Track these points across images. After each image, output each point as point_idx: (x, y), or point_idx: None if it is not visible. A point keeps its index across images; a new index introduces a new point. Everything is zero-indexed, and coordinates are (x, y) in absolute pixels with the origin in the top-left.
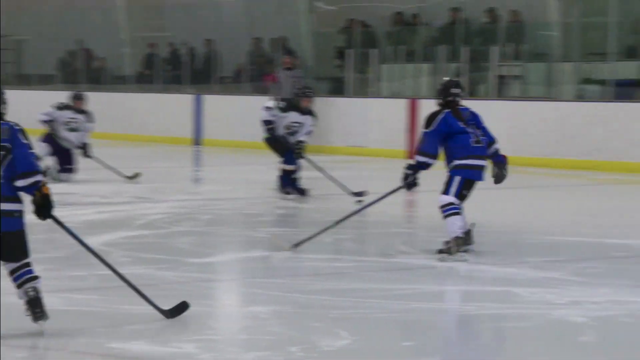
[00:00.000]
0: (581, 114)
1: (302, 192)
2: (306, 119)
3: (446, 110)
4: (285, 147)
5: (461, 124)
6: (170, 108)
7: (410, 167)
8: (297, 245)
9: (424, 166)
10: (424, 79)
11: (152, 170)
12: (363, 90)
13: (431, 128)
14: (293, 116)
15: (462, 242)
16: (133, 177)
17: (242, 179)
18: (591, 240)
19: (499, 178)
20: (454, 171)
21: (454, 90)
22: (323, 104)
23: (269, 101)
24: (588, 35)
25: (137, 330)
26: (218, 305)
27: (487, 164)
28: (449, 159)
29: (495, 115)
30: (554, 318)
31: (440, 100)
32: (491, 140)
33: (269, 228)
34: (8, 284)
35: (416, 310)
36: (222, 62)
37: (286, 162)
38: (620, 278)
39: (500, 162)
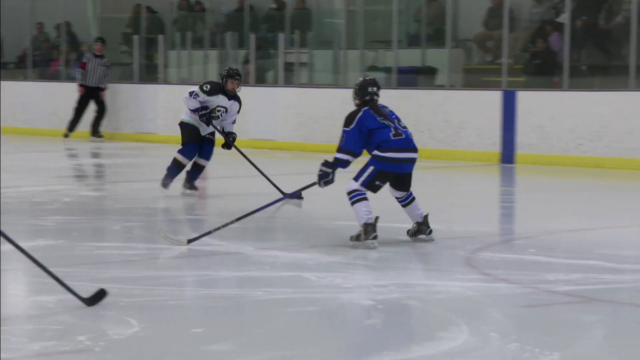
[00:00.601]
0: None
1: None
2: (233, 105)
3: (365, 108)
4: (195, 136)
5: (380, 119)
6: None
7: (328, 164)
8: (192, 240)
9: (343, 164)
10: (212, 65)
11: None
12: (151, 76)
13: (351, 126)
14: (220, 100)
15: (372, 229)
16: None
17: (26, 166)
18: (378, 225)
19: None
20: (370, 160)
21: (371, 89)
22: (110, 91)
23: (192, 88)
24: (372, 23)
25: None
26: (3, 295)
27: (412, 155)
28: (370, 153)
29: (283, 102)
30: (342, 301)
31: (358, 100)
32: None
33: (56, 216)
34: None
35: (207, 297)
36: (4, 47)
37: (183, 152)
38: (406, 262)
39: None
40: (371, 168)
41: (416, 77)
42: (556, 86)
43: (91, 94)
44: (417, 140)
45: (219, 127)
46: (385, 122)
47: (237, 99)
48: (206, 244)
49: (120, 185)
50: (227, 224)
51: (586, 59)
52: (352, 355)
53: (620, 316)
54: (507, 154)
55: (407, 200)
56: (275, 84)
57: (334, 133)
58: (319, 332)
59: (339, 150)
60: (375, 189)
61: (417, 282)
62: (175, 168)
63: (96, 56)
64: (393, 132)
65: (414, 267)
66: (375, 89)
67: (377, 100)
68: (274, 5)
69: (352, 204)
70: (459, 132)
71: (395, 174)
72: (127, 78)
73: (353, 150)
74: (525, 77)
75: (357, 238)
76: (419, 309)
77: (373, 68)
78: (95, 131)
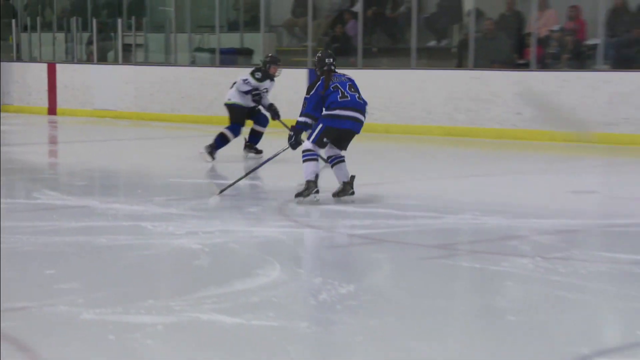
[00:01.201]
0: (194, 77)
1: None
2: (271, 86)
3: (322, 77)
4: (242, 118)
5: (333, 87)
6: None
7: (293, 129)
8: (222, 191)
9: (305, 126)
10: (60, 46)
11: None
12: (6, 55)
13: (311, 93)
14: (265, 84)
15: (314, 185)
16: None
17: None
18: (205, 182)
19: None
20: (320, 119)
21: (328, 60)
22: None
23: (245, 74)
24: (198, 11)
25: None
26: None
27: (355, 114)
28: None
29: (122, 78)
30: (174, 246)
31: (318, 71)
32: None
33: None
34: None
35: (58, 244)
36: None
37: (231, 130)
38: (229, 212)
39: None
40: (320, 125)
41: (236, 57)
42: (352, 65)
43: None
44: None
45: (262, 104)
46: (336, 89)
47: (273, 80)
48: (57, 199)
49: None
50: (244, 176)
51: (376, 42)
52: (182, 290)
53: (404, 254)
54: None
55: (336, 160)
56: (115, 62)
57: (167, 104)
58: (155, 272)
59: (301, 114)
60: (323, 145)
61: (238, 228)
62: (222, 141)
63: None
64: (340, 94)
65: (235, 216)
66: (331, 60)
67: (334, 70)
68: None
69: (303, 162)
70: None
71: (339, 130)
72: None
73: (312, 114)
74: None
75: (300, 194)
76: (239, 251)
77: (199, 49)
78: None
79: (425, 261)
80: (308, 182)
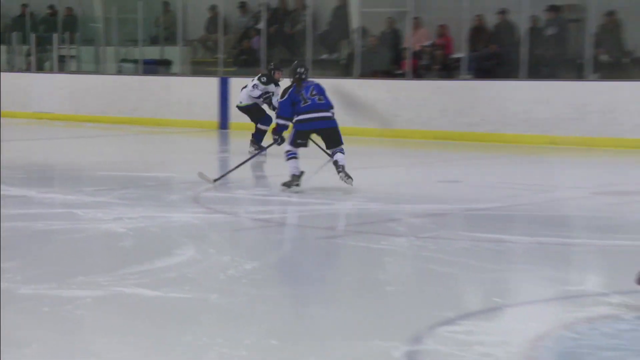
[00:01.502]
0: (121, 84)
1: (262, 148)
2: (277, 89)
3: (294, 84)
4: (262, 112)
5: (300, 95)
6: None
7: (274, 131)
8: (217, 179)
9: (283, 127)
10: (2, 57)
11: None
12: None
13: (284, 98)
14: (270, 87)
15: (297, 179)
16: None
17: None
18: (130, 174)
19: None
20: (293, 126)
21: (299, 70)
22: None
23: (253, 80)
24: (124, 26)
25: None
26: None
27: (319, 114)
28: None
29: (58, 85)
30: (102, 230)
31: (291, 78)
32: (329, 105)
33: None
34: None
35: (13, 229)
36: None
37: (263, 123)
38: (151, 200)
39: None
40: (293, 131)
41: (157, 67)
42: (257, 74)
43: None
44: (160, 114)
45: (270, 107)
46: (300, 96)
47: (278, 85)
48: (13, 189)
49: None
50: (237, 166)
51: (277, 55)
52: (109, 267)
53: (300, 234)
54: (223, 123)
55: (334, 154)
56: (51, 71)
57: (97, 107)
58: (85, 252)
59: (277, 117)
60: (298, 145)
61: (158, 214)
62: (260, 134)
63: None
64: (303, 101)
65: (155, 204)
66: (302, 69)
67: (304, 78)
68: (48, 12)
69: (286, 160)
70: (188, 107)
71: (310, 131)
72: None
73: (286, 115)
74: (235, 68)
75: (285, 184)
76: (159, 233)
77: (125, 60)
78: None
79: (318, 240)
80: (293, 175)
